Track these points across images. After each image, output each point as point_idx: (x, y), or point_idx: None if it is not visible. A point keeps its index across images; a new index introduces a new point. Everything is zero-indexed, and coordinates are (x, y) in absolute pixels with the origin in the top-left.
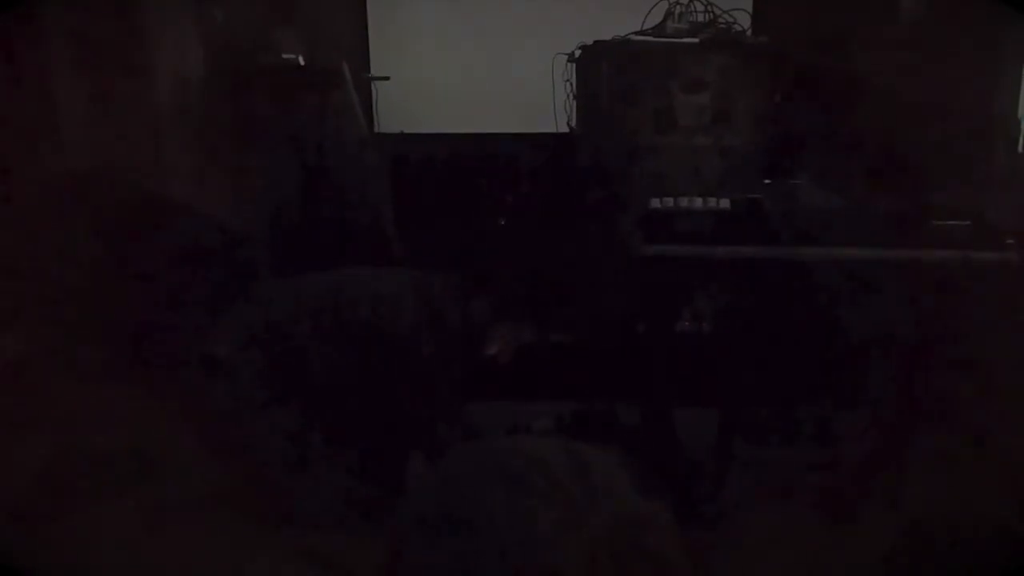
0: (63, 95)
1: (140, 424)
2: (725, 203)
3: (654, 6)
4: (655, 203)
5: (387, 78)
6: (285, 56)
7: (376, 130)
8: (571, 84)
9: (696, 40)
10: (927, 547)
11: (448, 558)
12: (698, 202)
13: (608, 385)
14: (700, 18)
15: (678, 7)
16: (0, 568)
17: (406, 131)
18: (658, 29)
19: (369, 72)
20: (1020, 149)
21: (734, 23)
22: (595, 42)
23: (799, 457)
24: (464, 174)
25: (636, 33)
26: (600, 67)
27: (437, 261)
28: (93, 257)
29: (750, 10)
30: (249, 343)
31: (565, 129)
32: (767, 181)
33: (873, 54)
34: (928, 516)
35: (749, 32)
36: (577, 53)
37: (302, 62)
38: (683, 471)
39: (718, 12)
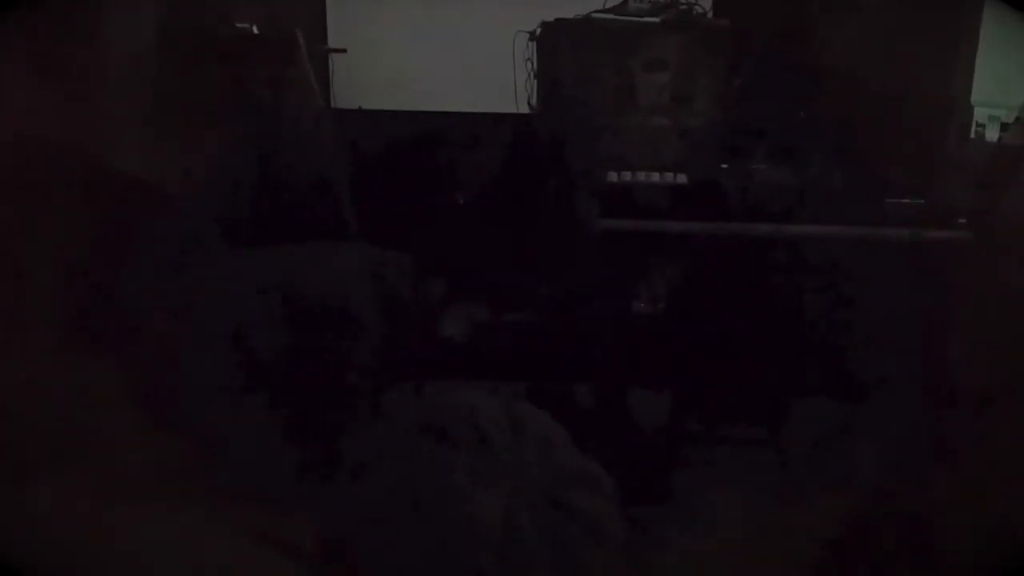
0: (6, 63)
1: (87, 400)
2: (682, 178)
3: None
4: (612, 177)
5: (344, 50)
6: (239, 25)
7: (332, 105)
8: (532, 62)
9: (657, 20)
10: (877, 530)
11: (368, 508)
12: (655, 176)
13: (563, 364)
14: None
15: None
16: (0, 568)
17: (364, 106)
18: (619, 8)
19: (326, 44)
20: (972, 134)
21: (696, 4)
22: (556, 20)
23: (753, 436)
24: (422, 151)
25: (597, 11)
26: (561, 45)
27: (393, 239)
28: (39, 230)
29: None
30: (200, 317)
31: (525, 107)
32: (724, 166)
33: (832, 38)
34: (879, 499)
35: (710, 14)
36: (538, 31)
37: (256, 31)
38: (636, 449)
39: None
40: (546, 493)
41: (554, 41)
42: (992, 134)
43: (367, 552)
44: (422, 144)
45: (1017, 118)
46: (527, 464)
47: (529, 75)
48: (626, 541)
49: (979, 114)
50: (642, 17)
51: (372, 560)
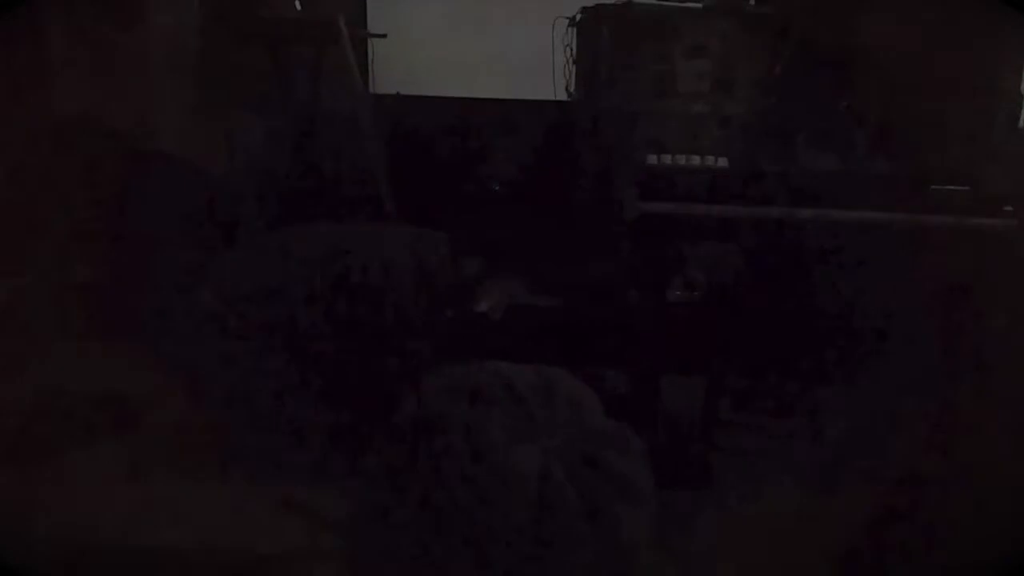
0: (55, 43)
1: (123, 374)
2: (723, 162)
3: None
4: (651, 159)
5: (384, 36)
6: (280, 4)
7: (372, 90)
8: (571, 49)
9: (699, 6)
10: (907, 522)
11: (407, 462)
12: (695, 160)
13: (598, 349)
14: None
15: None
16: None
17: (402, 92)
18: None
19: (366, 29)
20: (1021, 123)
21: None
22: (597, 5)
23: (789, 425)
24: (460, 137)
25: None
26: (601, 31)
27: (431, 221)
28: (82, 207)
29: None
30: (239, 294)
31: (564, 94)
32: (766, 152)
33: (877, 25)
34: (913, 490)
35: (753, 0)
36: (578, 17)
37: (299, 6)
38: (667, 437)
39: None
40: (579, 451)
41: (594, 27)
42: None
43: (404, 508)
44: (460, 130)
45: None
46: (560, 424)
47: (568, 61)
48: (658, 510)
49: None
50: (683, 3)
51: (409, 515)
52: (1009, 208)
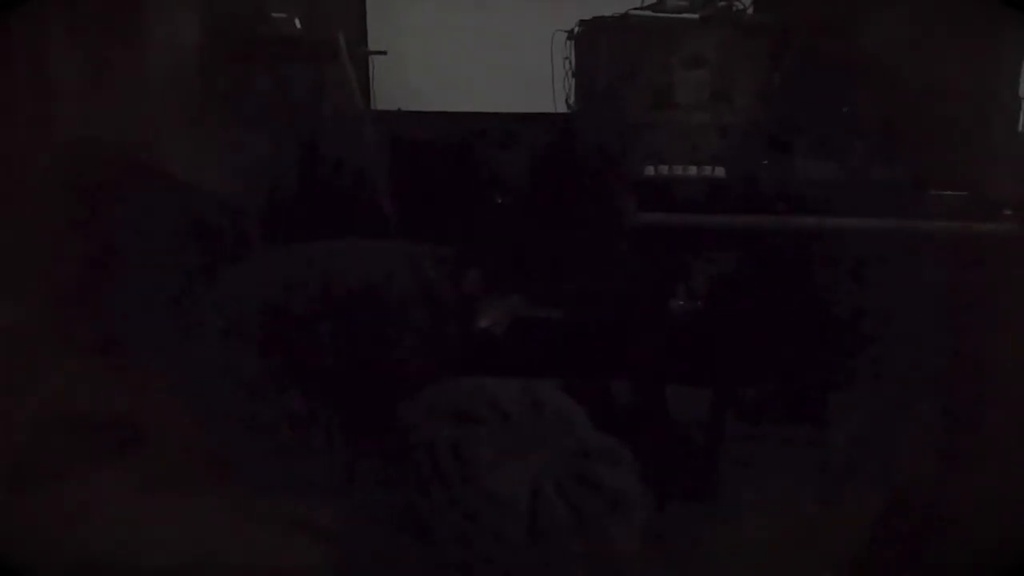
0: (55, 62)
1: (130, 393)
2: (720, 171)
3: None
4: (649, 170)
5: (384, 52)
6: (280, 23)
7: (373, 106)
8: (570, 62)
9: (696, 16)
10: (914, 526)
11: (390, 487)
12: (692, 170)
13: (601, 360)
14: None
15: None
16: (0, 568)
17: (403, 108)
18: (658, 5)
19: (366, 46)
20: (1020, 127)
21: (735, 0)
22: (594, 18)
23: (793, 434)
24: (461, 152)
25: (636, 9)
26: (599, 43)
27: (433, 236)
28: (86, 227)
29: None
30: (240, 311)
31: (563, 107)
32: (765, 162)
33: (874, 32)
34: (918, 495)
35: (750, 10)
36: (576, 30)
37: (298, 24)
38: (674, 448)
39: None
40: (569, 467)
41: (592, 40)
42: None
43: (394, 527)
44: (461, 144)
45: None
46: (548, 439)
47: (567, 74)
48: (652, 519)
49: None
50: (681, 14)
51: (399, 534)
52: (1008, 212)
